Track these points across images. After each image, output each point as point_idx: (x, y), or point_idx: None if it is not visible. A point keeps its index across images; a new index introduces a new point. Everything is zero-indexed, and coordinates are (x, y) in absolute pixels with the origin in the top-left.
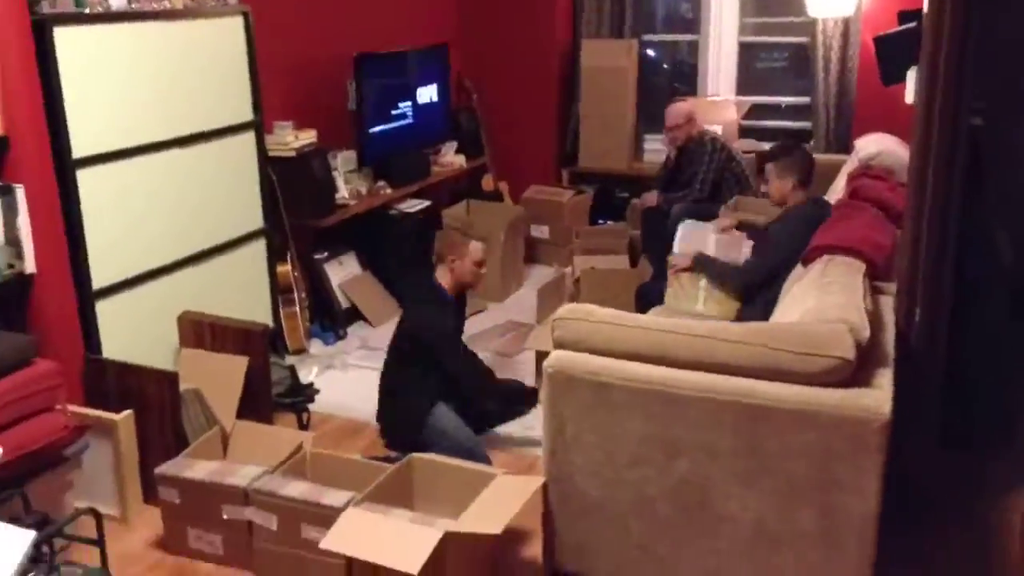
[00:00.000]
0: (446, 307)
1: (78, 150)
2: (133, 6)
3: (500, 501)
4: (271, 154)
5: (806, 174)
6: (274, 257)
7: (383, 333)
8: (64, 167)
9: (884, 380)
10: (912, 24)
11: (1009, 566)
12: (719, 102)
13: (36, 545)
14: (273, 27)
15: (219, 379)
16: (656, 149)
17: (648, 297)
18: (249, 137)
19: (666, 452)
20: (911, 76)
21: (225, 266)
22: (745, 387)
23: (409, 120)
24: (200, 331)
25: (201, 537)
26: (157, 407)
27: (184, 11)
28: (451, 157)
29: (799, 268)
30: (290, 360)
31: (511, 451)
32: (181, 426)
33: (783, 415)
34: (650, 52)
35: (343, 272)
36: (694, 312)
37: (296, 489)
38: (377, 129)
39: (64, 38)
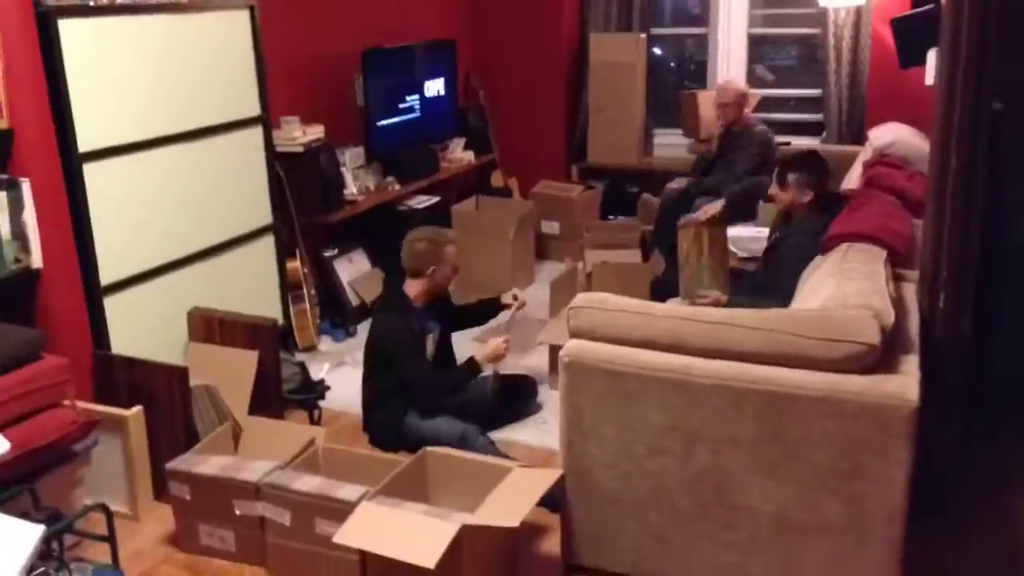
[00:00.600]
0: (410, 317)
1: (84, 144)
2: None
3: (517, 494)
4: (279, 150)
5: (824, 189)
6: (283, 253)
7: None
8: (70, 161)
9: (910, 366)
10: (930, 6)
11: None
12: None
13: (46, 541)
14: (280, 21)
15: (229, 374)
16: (666, 144)
17: (663, 290)
18: (256, 132)
19: (685, 442)
20: (931, 58)
21: (234, 262)
22: (767, 375)
23: (417, 116)
24: (210, 327)
25: (213, 533)
26: (167, 403)
27: (190, 4)
28: (459, 153)
29: (818, 257)
30: (300, 357)
31: (527, 445)
32: (192, 422)
33: (806, 402)
34: (657, 50)
35: (353, 269)
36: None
37: (309, 484)
38: (385, 124)
39: (69, 30)
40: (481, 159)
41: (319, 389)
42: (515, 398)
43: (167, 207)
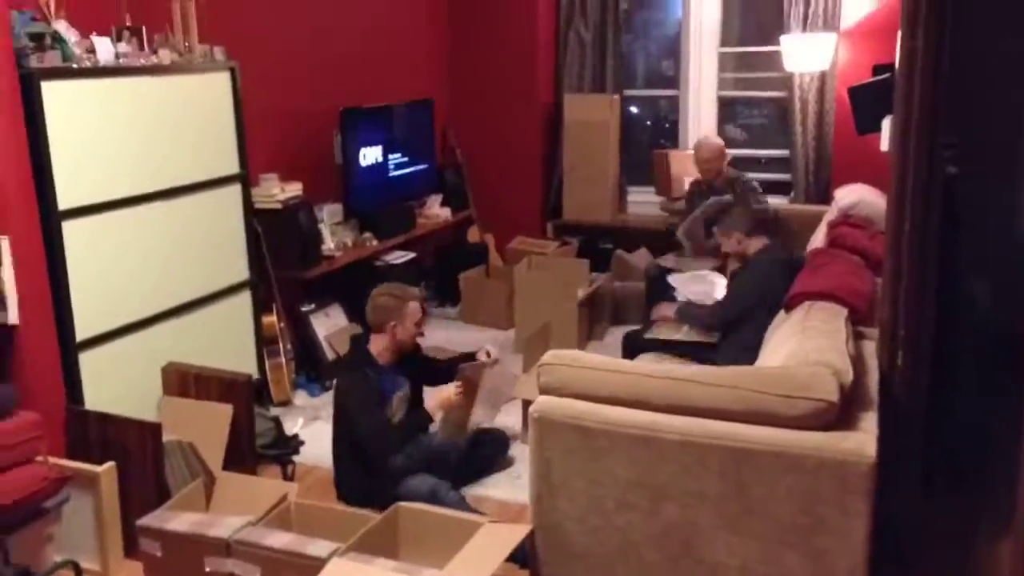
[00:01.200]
0: (369, 374)
1: (64, 202)
2: (121, 61)
3: (486, 550)
4: (257, 206)
5: (751, 223)
6: (259, 308)
7: None
8: (49, 218)
9: (869, 423)
10: (886, 75)
11: None
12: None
13: None
14: (260, 81)
15: (204, 428)
16: (640, 201)
17: (635, 344)
18: (235, 189)
19: (652, 497)
20: (886, 125)
21: (210, 317)
22: (730, 431)
23: (395, 173)
24: (185, 381)
25: None
26: (140, 459)
27: (172, 67)
28: (436, 209)
29: (781, 314)
30: (275, 411)
31: (499, 500)
32: (164, 478)
33: (768, 458)
34: (633, 108)
35: (329, 323)
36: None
37: (279, 540)
38: (363, 182)
39: (52, 92)
40: (458, 215)
41: (293, 444)
42: (488, 451)
43: (146, 263)
